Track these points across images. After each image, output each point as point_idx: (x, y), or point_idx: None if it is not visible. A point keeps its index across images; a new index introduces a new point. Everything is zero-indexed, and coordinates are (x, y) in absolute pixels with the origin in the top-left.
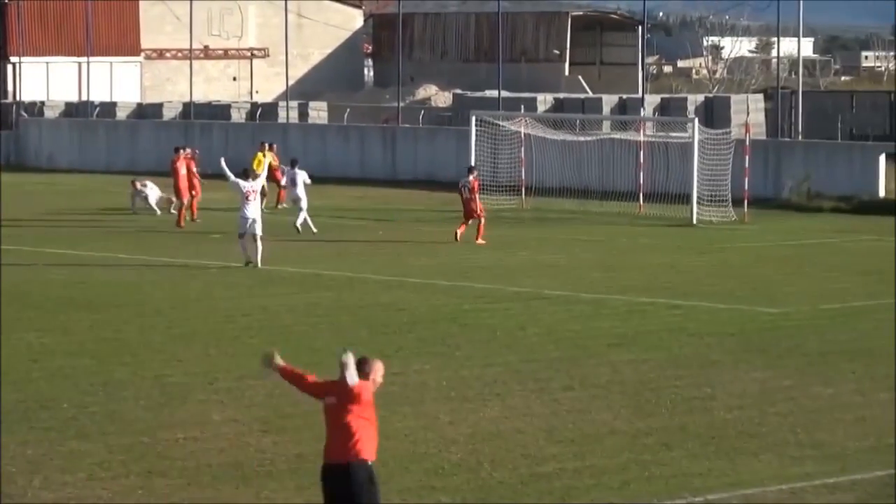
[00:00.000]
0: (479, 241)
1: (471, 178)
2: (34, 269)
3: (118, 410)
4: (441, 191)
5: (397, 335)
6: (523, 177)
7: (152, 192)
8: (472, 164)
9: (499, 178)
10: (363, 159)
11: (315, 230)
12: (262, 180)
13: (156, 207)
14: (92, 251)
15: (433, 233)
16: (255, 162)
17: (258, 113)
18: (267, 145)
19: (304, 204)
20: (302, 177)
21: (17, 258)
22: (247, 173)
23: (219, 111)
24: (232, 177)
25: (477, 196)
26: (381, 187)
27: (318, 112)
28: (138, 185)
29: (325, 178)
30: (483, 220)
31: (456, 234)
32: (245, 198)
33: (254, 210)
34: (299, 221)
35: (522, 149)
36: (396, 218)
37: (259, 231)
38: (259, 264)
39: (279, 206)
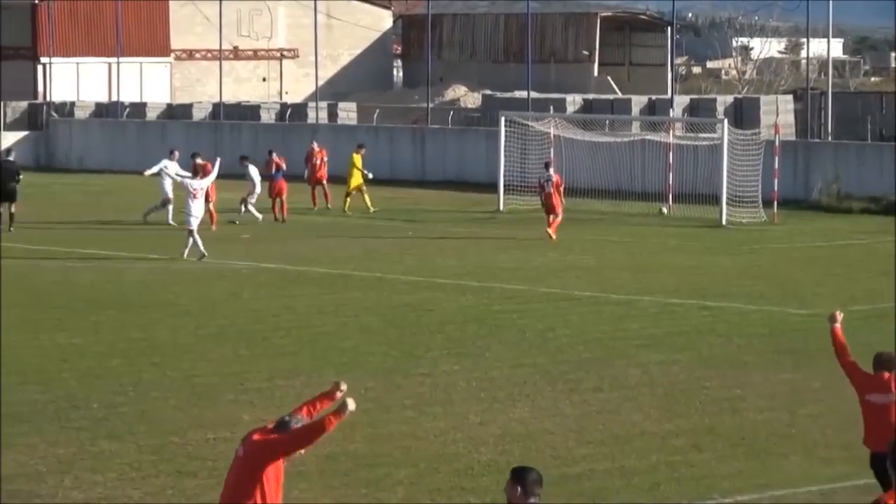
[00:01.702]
0: (551, 232)
1: (551, 171)
2: (64, 269)
3: (148, 410)
4: (470, 191)
5: (426, 336)
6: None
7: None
8: (499, 162)
9: (528, 179)
10: (392, 160)
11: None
12: (208, 181)
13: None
14: (121, 251)
15: (462, 233)
16: (352, 163)
17: (288, 113)
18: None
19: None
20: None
21: (46, 258)
22: (196, 170)
23: (248, 112)
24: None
25: (558, 191)
26: (410, 188)
27: (348, 113)
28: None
29: None
30: (560, 217)
31: (548, 233)
32: (192, 196)
33: (199, 207)
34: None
35: (552, 149)
36: (425, 219)
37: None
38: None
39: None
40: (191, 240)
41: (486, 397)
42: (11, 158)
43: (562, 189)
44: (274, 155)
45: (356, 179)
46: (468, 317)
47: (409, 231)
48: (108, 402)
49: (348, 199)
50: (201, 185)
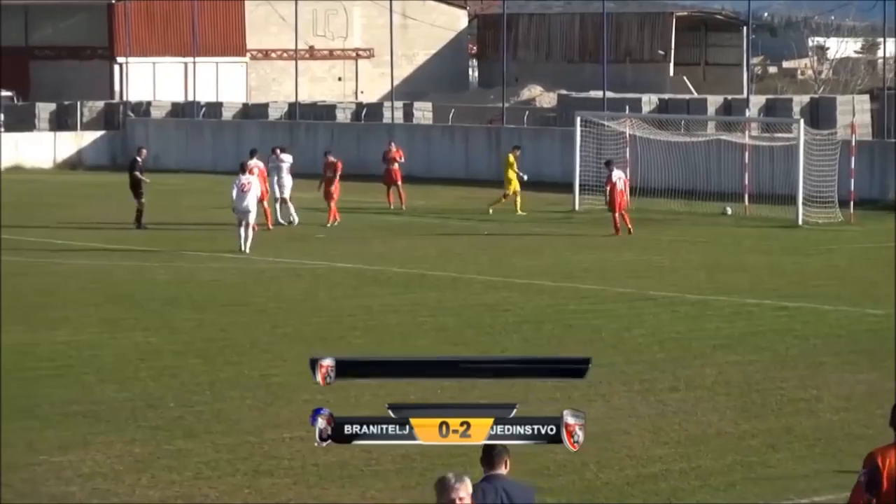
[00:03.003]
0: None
1: (613, 169)
2: (140, 268)
3: (224, 409)
4: (546, 191)
5: (502, 336)
6: (628, 177)
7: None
8: (575, 162)
9: (603, 179)
10: (468, 160)
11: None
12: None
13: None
14: (197, 251)
15: (538, 233)
16: (507, 163)
17: (363, 113)
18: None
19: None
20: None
21: (123, 258)
22: (243, 167)
23: (324, 111)
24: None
25: (616, 189)
26: (485, 187)
27: (423, 112)
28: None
29: (429, 179)
30: (618, 215)
31: (628, 230)
32: (243, 190)
33: (252, 202)
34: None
35: (627, 149)
36: (500, 218)
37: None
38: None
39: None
40: (242, 233)
41: (562, 397)
42: (139, 159)
43: (617, 188)
44: (330, 156)
45: (515, 181)
46: (543, 317)
47: (485, 231)
48: (184, 401)
49: (504, 200)
50: (250, 179)
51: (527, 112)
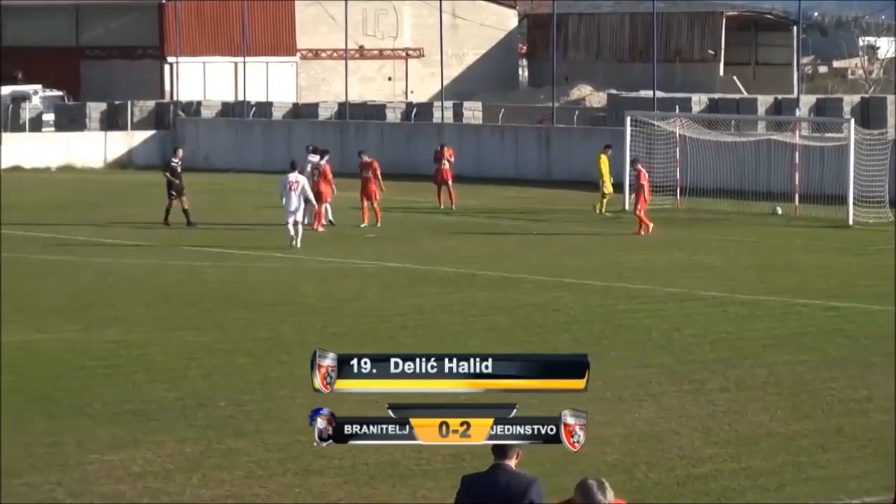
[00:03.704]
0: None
1: (638, 167)
2: (190, 268)
3: (274, 409)
4: (596, 191)
5: (552, 336)
6: (678, 177)
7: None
8: (625, 161)
9: (654, 179)
10: (518, 159)
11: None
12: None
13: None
14: (247, 250)
15: (588, 233)
16: (600, 163)
17: (413, 113)
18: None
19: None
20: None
21: (174, 257)
22: (293, 166)
23: (374, 111)
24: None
25: (641, 189)
26: (535, 187)
27: (473, 112)
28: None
29: (480, 178)
30: (637, 216)
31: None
32: (291, 189)
33: (296, 200)
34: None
35: (677, 149)
36: (550, 218)
37: (300, 217)
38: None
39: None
40: (292, 230)
41: (612, 397)
42: (175, 160)
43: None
44: (364, 156)
45: (609, 182)
46: (593, 316)
47: (535, 230)
48: (234, 400)
49: (603, 201)
50: (297, 178)
51: (576, 112)
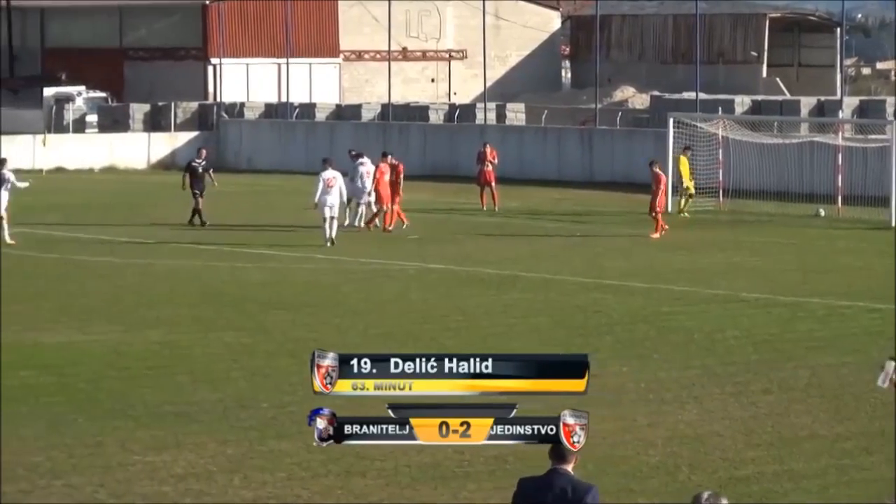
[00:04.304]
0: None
1: (655, 169)
2: (232, 269)
3: None
4: (639, 192)
5: (595, 337)
6: (721, 179)
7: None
8: (668, 163)
9: (696, 180)
10: (560, 161)
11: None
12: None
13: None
14: (290, 252)
15: (630, 234)
16: (679, 164)
17: (456, 114)
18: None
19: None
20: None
21: (216, 258)
22: (327, 163)
23: (417, 112)
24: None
25: (658, 190)
26: (578, 189)
27: (516, 113)
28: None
29: (522, 180)
30: (652, 216)
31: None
32: (328, 186)
33: (334, 197)
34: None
35: (720, 151)
36: (593, 220)
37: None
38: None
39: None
40: (328, 228)
41: (655, 399)
42: (198, 160)
43: (659, 189)
44: (391, 158)
45: (691, 182)
46: (636, 318)
47: (577, 232)
48: (276, 401)
49: (689, 201)
50: (334, 175)
51: (619, 113)
